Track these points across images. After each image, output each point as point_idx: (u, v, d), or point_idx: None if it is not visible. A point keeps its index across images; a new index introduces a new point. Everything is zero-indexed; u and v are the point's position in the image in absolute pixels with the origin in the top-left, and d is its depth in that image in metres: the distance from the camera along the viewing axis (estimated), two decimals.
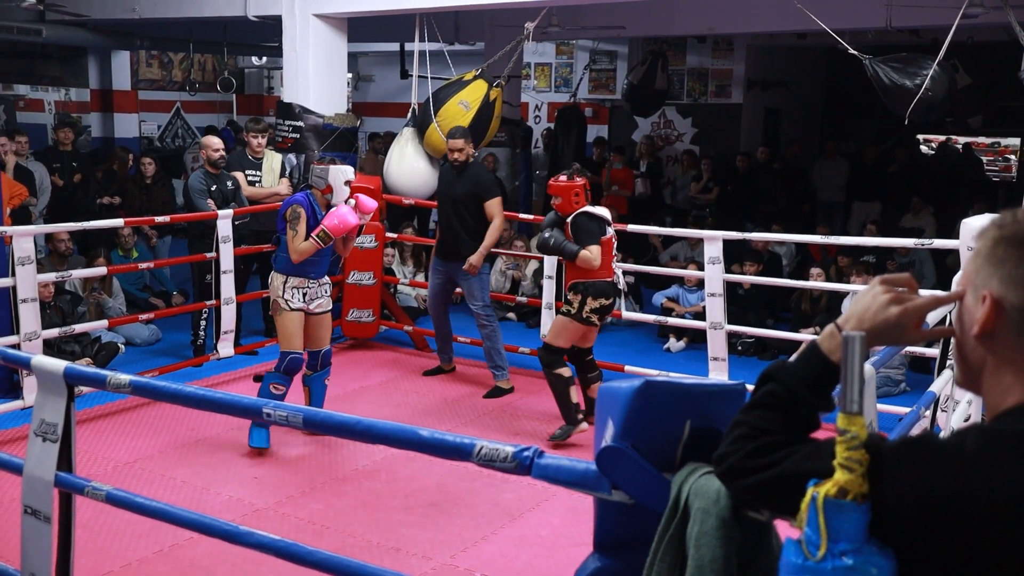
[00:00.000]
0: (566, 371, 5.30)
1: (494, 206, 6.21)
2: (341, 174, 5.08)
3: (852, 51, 6.76)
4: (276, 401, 2.34)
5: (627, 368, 6.32)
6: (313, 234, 4.94)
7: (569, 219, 5.17)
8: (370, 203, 5.18)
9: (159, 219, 7.05)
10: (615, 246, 5.36)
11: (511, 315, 8.55)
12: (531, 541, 4.15)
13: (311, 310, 5.16)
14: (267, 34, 10.00)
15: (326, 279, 5.25)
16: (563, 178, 5.24)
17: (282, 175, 7.39)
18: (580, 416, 5.33)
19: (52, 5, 9.38)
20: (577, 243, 5.11)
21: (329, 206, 5.06)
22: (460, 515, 4.39)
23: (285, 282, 5.05)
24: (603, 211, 5.28)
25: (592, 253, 5.08)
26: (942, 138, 14.36)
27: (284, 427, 3.73)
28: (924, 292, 1.33)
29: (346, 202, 5.05)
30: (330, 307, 5.30)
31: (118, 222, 6.60)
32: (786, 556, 1.18)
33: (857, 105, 13.33)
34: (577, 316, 5.17)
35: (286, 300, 5.04)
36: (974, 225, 4.17)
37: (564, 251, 5.16)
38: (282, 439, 5.18)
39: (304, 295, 5.10)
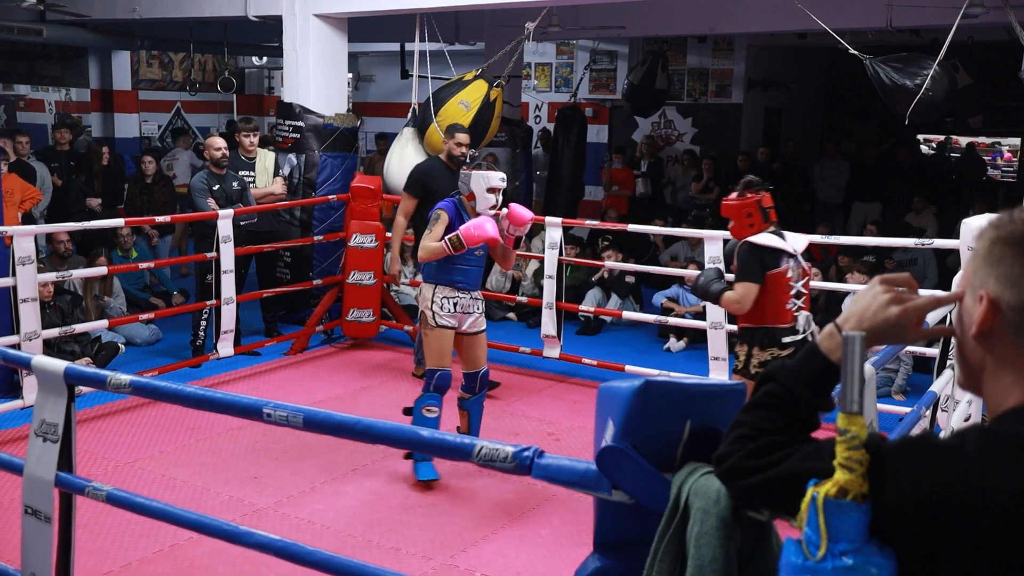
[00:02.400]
0: None
1: None
2: (484, 180, 4.75)
3: (852, 51, 6.76)
4: (276, 402, 2.34)
5: (627, 368, 6.32)
6: (445, 238, 4.63)
7: (736, 251, 4.30)
8: (524, 214, 4.81)
9: (159, 219, 7.06)
10: (800, 282, 4.29)
11: (511, 315, 8.55)
12: (531, 541, 4.15)
13: (465, 329, 4.81)
14: (267, 34, 10.01)
15: (479, 293, 4.91)
16: (734, 195, 4.30)
17: (276, 175, 7.39)
18: None
19: (52, 5, 9.38)
20: (737, 278, 4.24)
21: (476, 213, 4.75)
22: (460, 515, 4.39)
23: (434, 291, 4.74)
24: (789, 237, 4.32)
25: (736, 294, 4.18)
26: (942, 138, 14.36)
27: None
28: (924, 292, 1.33)
29: (498, 212, 4.75)
30: (484, 326, 4.92)
31: (119, 222, 6.61)
32: (786, 556, 1.18)
33: (858, 105, 13.33)
34: (744, 372, 4.28)
35: (435, 313, 4.71)
36: (974, 225, 4.17)
37: (707, 296, 4.36)
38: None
39: (456, 305, 4.75)
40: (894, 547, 1.14)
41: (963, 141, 13.67)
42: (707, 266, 6.09)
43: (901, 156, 11.09)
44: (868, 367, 2.52)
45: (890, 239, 6.86)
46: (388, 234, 7.62)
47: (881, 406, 4.68)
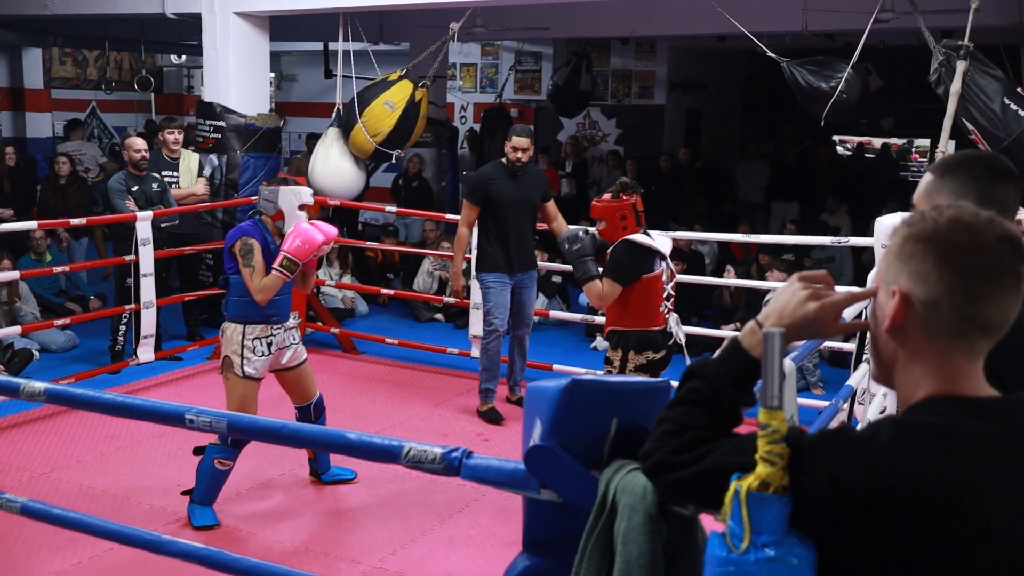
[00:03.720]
0: None
1: (554, 205, 5.98)
2: (295, 196, 4.26)
3: (770, 54, 6.92)
4: (199, 408, 2.29)
5: (555, 367, 6.37)
6: (275, 265, 4.13)
7: (611, 248, 4.21)
8: (330, 230, 4.34)
9: (75, 221, 6.85)
10: (670, 284, 4.30)
11: (438, 316, 8.53)
12: (461, 542, 4.15)
13: (284, 365, 4.38)
14: (186, 32, 9.79)
15: (292, 322, 4.44)
16: (607, 196, 4.23)
17: (200, 175, 7.25)
18: None
19: None
20: (607, 274, 4.13)
21: (282, 235, 4.27)
22: (389, 518, 4.36)
23: (244, 333, 4.20)
24: (656, 240, 4.27)
25: (605, 290, 4.09)
26: (858, 139, 14.80)
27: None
28: (841, 288, 1.37)
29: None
30: (305, 356, 4.49)
31: (31, 224, 6.39)
32: (711, 549, 1.20)
33: (776, 107, 13.65)
34: None
35: (244, 359, 4.19)
36: (887, 223, 4.29)
37: (577, 267, 4.19)
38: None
39: (270, 345, 4.27)
40: (814, 538, 1.17)
41: (877, 143, 14.10)
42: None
43: (821, 156, 11.39)
44: (788, 362, 2.58)
45: (809, 237, 7.04)
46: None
47: (801, 400, 4.79)
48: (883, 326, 1.27)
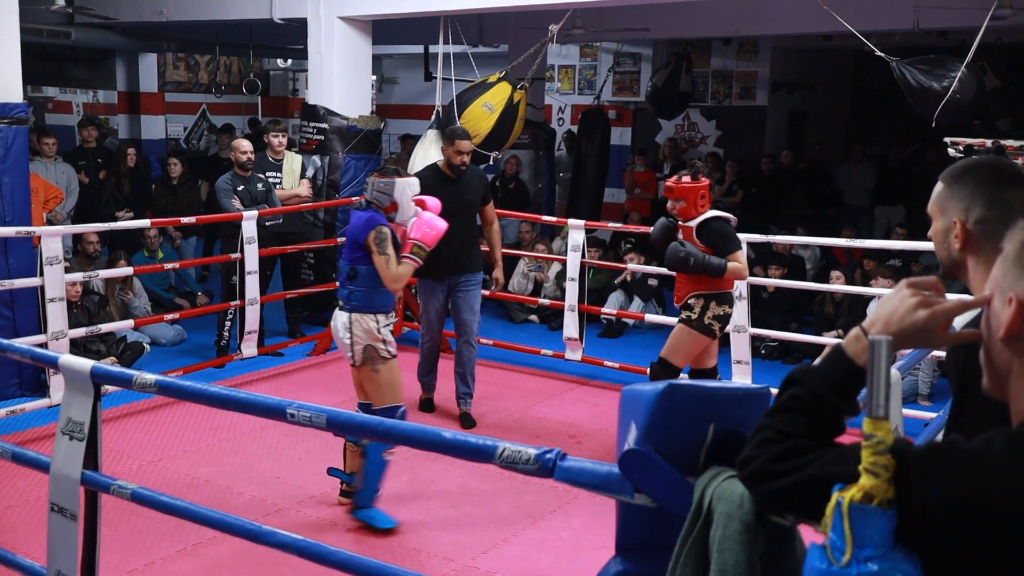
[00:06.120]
0: None
1: (492, 208, 5.90)
2: (408, 188, 4.28)
3: (879, 53, 6.70)
4: (299, 403, 2.34)
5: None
6: (405, 253, 4.20)
7: (694, 224, 4.59)
8: (441, 222, 4.36)
9: (185, 220, 7.11)
10: None
11: (533, 317, 8.55)
12: (552, 544, 4.15)
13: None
14: (292, 36, 10.07)
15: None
16: (687, 178, 4.61)
17: (302, 176, 7.43)
18: None
19: (81, 8, 9.47)
20: (717, 253, 4.52)
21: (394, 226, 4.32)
22: (481, 517, 4.39)
23: (377, 322, 4.21)
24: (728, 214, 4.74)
25: (741, 263, 4.50)
26: (970, 140, 14.22)
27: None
28: (952, 296, 1.32)
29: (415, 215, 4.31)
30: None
31: (144, 223, 6.66)
32: (810, 561, 1.17)
33: (884, 108, 13.23)
34: (698, 323, 4.60)
35: (386, 343, 4.23)
36: None
37: (709, 268, 4.49)
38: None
39: (390, 332, 4.32)
40: (920, 553, 1.13)
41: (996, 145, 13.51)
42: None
43: (930, 158, 10.98)
44: (894, 371, 2.50)
45: (917, 243, 6.79)
46: None
47: (906, 411, 4.63)
48: (998, 335, 1.21)
